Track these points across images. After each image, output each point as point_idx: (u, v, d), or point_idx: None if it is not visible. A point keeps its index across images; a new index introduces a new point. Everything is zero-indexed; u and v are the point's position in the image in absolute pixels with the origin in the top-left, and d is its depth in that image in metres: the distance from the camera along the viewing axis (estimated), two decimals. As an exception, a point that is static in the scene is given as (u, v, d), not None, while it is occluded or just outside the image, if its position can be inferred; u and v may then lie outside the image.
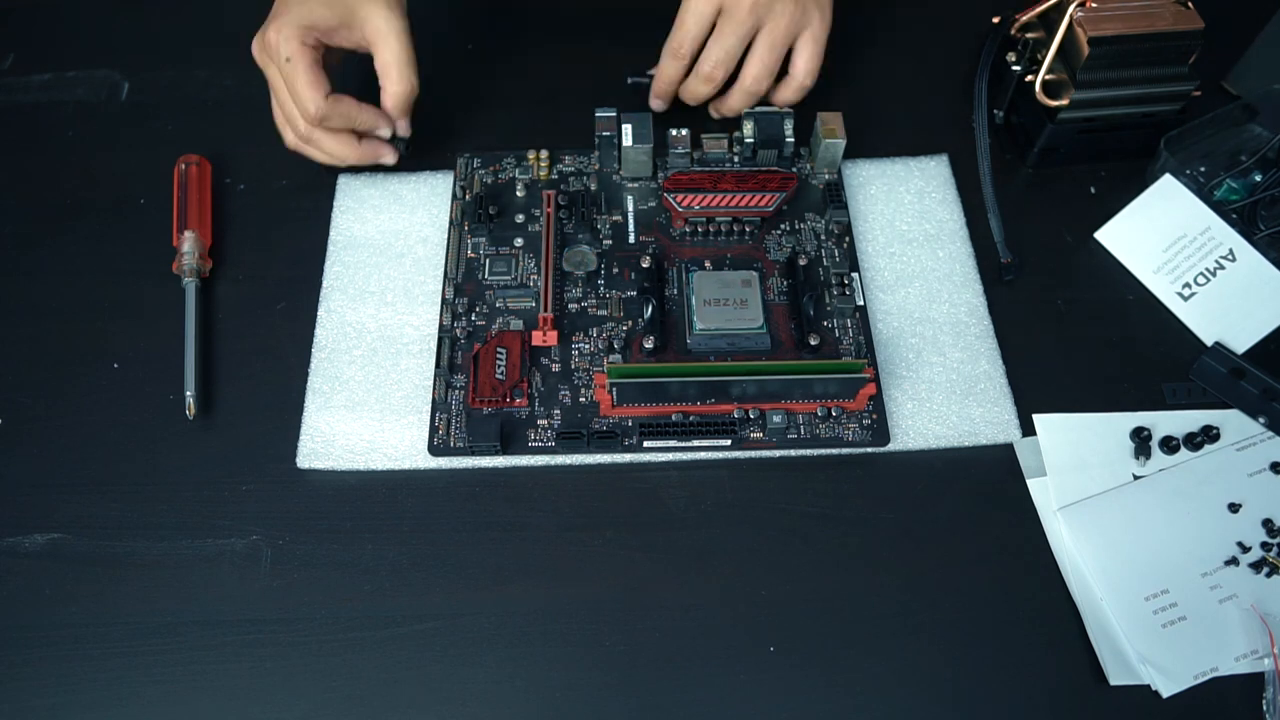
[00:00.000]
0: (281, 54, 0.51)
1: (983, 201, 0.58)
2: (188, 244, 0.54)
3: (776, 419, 0.49)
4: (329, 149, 0.55)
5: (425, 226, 0.57)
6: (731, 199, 0.55)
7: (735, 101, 0.58)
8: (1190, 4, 0.54)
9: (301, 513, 0.48)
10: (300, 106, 0.53)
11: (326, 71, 0.53)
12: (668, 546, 0.47)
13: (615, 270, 0.55)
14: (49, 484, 0.49)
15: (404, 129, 0.57)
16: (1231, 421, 0.51)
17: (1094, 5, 0.54)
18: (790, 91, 0.58)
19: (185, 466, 0.49)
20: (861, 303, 0.53)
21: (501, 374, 0.50)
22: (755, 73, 0.56)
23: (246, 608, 0.46)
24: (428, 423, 0.50)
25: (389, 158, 0.57)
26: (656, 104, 0.60)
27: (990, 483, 0.49)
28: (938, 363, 0.52)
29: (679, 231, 0.56)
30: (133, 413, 0.51)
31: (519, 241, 0.56)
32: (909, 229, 0.57)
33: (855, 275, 0.54)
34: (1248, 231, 0.54)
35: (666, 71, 0.58)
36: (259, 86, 0.64)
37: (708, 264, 0.55)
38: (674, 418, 0.49)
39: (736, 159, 0.59)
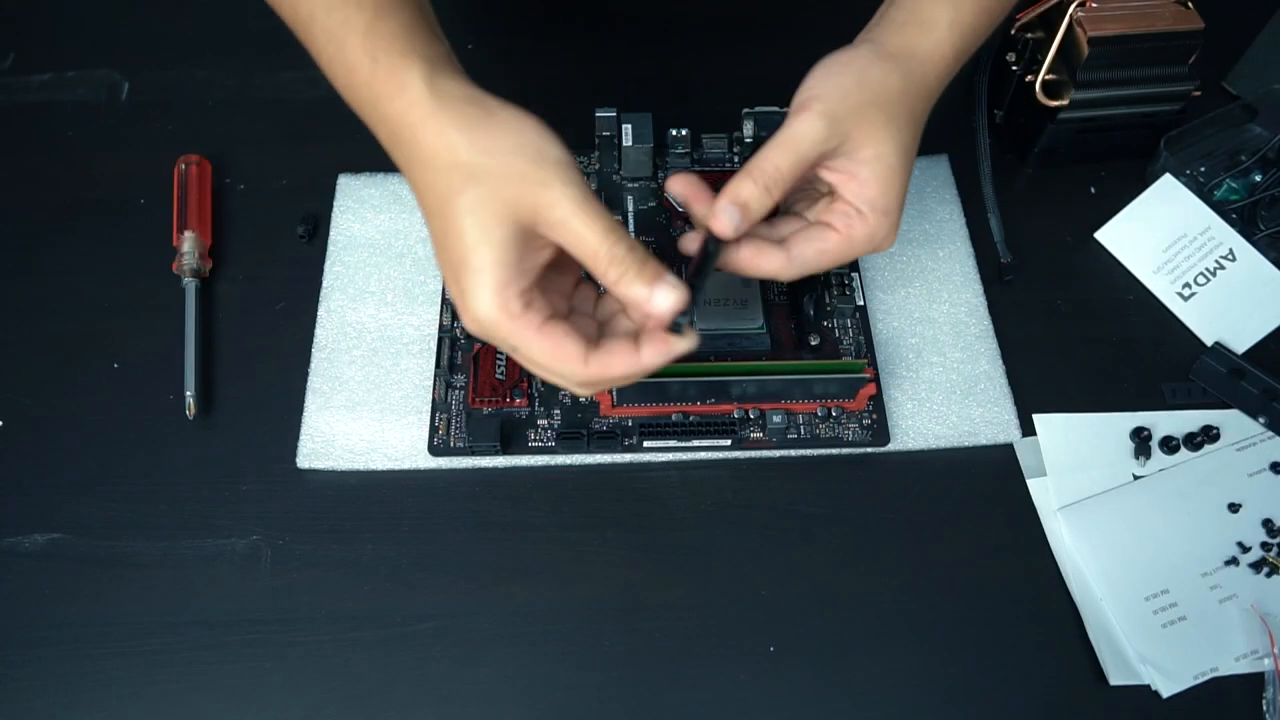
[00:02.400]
0: (506, 344, 0.38)
1: (983, 201, 0.58)
2: (188, 244, 0.54)
3: (776, 419, 0.49)
4: (619, 383, 0.41)
5: (425, 226, 0.57)
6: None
7: (774, 265, 0.42)
8: (1190, 4, 0.54)
9: (301, 513, 0.48)
10: (562, 384, 0.41)
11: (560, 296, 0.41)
12: (668, 546, 0.47)
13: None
14: (49, 484, 0.49)
15: (666, 300, 0.38)
16: (1231, 421, 0.51)
17: (1094, 5, 0.54)
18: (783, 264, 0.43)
19: (185, 466, 0.49)
20: (861, 302, 0.53)
21: (501, 374, 0.50)
22: (817, 262, 0.43)
23: (246, 608, 0.46)
24: (428, 423, 0.50)
25: (682, 345, 0.39)
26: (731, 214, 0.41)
27: (990, 483, 0.49)
28: (938, 363, 0.52)
29: (679, 231, 0.56)
30: (133, 413, 0.51)
31: (519, 241, 0.56)
32: (909, 229, 0.57)
33: (855, 275, 0.54)
34: (1248, 231, 0.54)
35: (749, 198, 0.40)
36: (259, 86, 0.64)
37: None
38: (674, 418, 0.49)
39: (736, 159, 0.59)
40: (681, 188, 0.42)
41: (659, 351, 0.38)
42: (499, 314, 0.37)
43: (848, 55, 0.42)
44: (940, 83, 0.44)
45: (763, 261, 0.42)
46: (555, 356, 0.38)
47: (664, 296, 0.38)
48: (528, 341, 0.38)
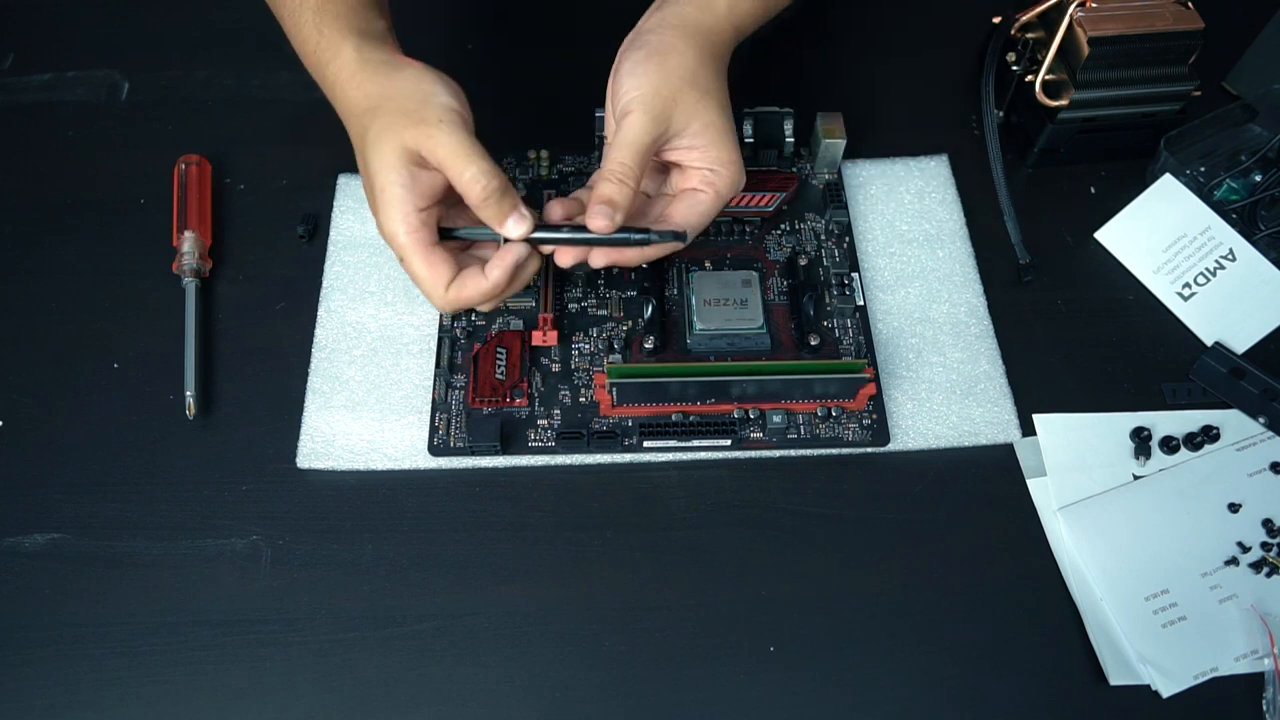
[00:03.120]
0: (396, 253, 0.45)
1: (984, 202, 0.58)
2: (188, 244, 0.54)
3: (776, 419, 0.49)
4: (481, 308, 0.49)
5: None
6: (732, 199, 0.55)
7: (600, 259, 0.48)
8: (1190, 4, 0.54)
9: (301, 513, 0.48)
10: (430, 300, 0.46)
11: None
12: (668, 546, 0.47)
13: (615, 270, 0.55)
14: (49, 484, 0.49)
15: (515, 226, 0.45)
16: (1231, 421, 0.51)
17: (1094, 5, 0.54)
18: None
19: (185, 466, 0.49)
20: (861, 303, 0.53)
21: (501, 374, 0.50)
22: (701, 222, 0.48)
23: (246, 608, 0.46)
24: (428, 423, 0.50)
25: (514, 251, 0.46)
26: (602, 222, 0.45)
27: (990, 483, 0.49)
28: (938, 363, 0.52)
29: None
30: (133, 413, 0.51)
31: (519, 241, 0.56)
32: (909, 229, 0.57)
33: (855, 275, 0.54)
34: (1248, 231, 0.54)
35: (612, 194, 0.45)
36: (259, 86, 0.64)
37: (708, 264, 0.55)
38: (674, 418, 0.49)
39: (736, 159, 0.59)
40: (560, 210, 0.48)
41: (498, 266, 0.45)
42: (399, 226, 0.44)
43: (646, 50, 0.47)
44: (727, 51, 0.50)
45: (655, 251, 0.48)
46: (428, 277, 0.45)
47: (514, 225, 0.45)
48: (412, 257, 0.45)
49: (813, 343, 0.51)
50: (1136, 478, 0.50)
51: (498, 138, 0.61)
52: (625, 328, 0.53)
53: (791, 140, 0.58)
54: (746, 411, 0.50)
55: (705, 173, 0.47)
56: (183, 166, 0.58)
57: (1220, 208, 0.54)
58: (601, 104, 0.57)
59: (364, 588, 0.46)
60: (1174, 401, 0.52)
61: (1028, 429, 0.51)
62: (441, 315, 0.53)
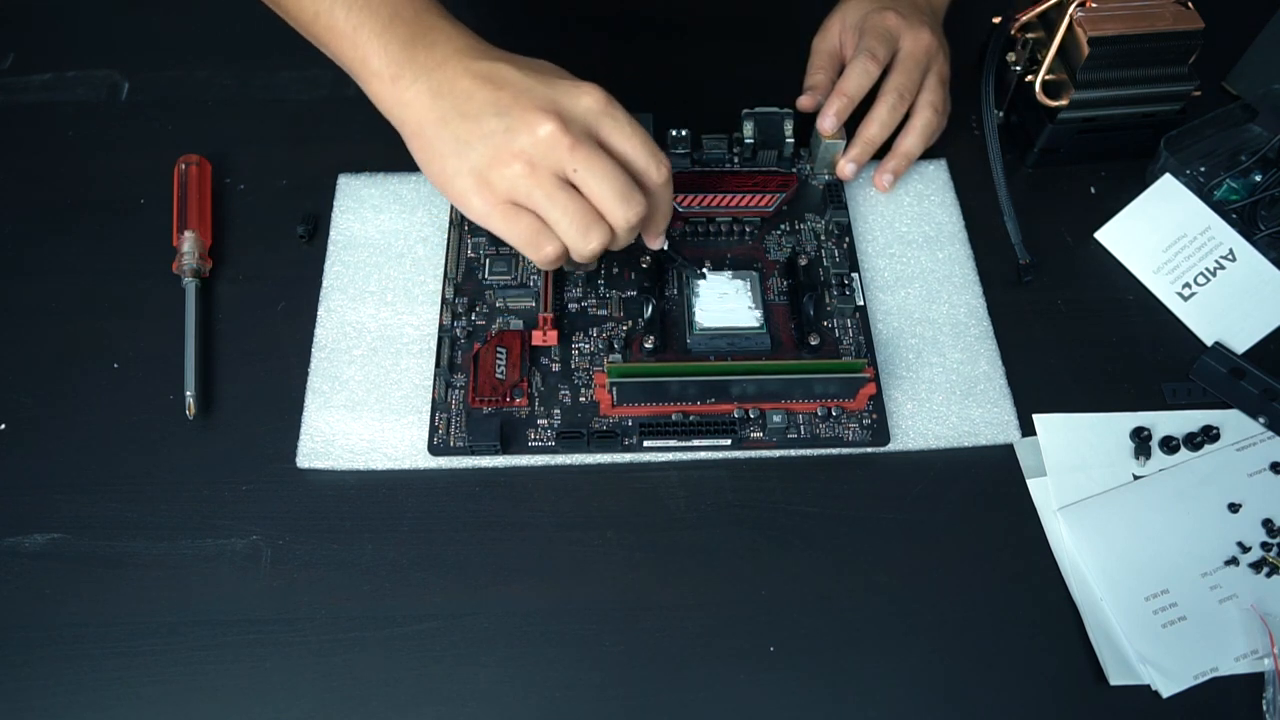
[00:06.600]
0: (608, 122, 0.45)
1: (983, 202, 0.58)
2: (188, 244, 0.54)
3: (776, 419, 0.49)
4: (668, 207, 0.50)
5: (425, 226, 0.57)
6: (731, 199, 0.55)
7: (860, 153, 0.57)
8: (1190, 4, 0.54)
9: (301, 513, 0.48)
10: (651, 170, 0.47)
11: None
12: (668, 546, 0.47)
13: (615, 270, 0.55)
14: (49, 484, 0.49)
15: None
16: (1231, 421, 0.51)
17: (1094, 5, 0.54)
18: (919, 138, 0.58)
19: (185, 466, 0.49)
20: (861, 303, 0.53)
21: (501, 374, 0.50)
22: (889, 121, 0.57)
23: (246, 608, 0.46)
24: (428, 422, 0.50)
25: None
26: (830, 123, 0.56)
27: (990, 483, 0.49)
28: (937, 363, 0.52)
29: (679, 231, 0.56)
30: (133, 413, 0.51)
31: (519, 241, 0.56)
32: (908, 230, 0.57)
33: (855, 275, 0.54)
34: (1248, 231, 0.54)
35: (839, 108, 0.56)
36: (259, 86, 0.64)
37: (708, 264, 0.55)
38: (674, 417, 0.49)
39: (736, 159, 0.59)
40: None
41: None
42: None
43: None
44: None
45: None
46: (646, 137, 0.46)
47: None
48: (629, 119, 0.45)
49: (813, 343, 0.51)
50: (1136, 478, 0.50)
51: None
52: (625, 327, 0.53)
53: (791, 141, 0.58)
54: (746, 411, 0.50)
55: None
56: (183, 166, 0.58)
57: (1220, 208, 0.54)
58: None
59: (364, 588, 0.46)
60: (1174, 401, 0.52)
61: (1028, 429, 0.51)
62: (441, 314, 0.53)
